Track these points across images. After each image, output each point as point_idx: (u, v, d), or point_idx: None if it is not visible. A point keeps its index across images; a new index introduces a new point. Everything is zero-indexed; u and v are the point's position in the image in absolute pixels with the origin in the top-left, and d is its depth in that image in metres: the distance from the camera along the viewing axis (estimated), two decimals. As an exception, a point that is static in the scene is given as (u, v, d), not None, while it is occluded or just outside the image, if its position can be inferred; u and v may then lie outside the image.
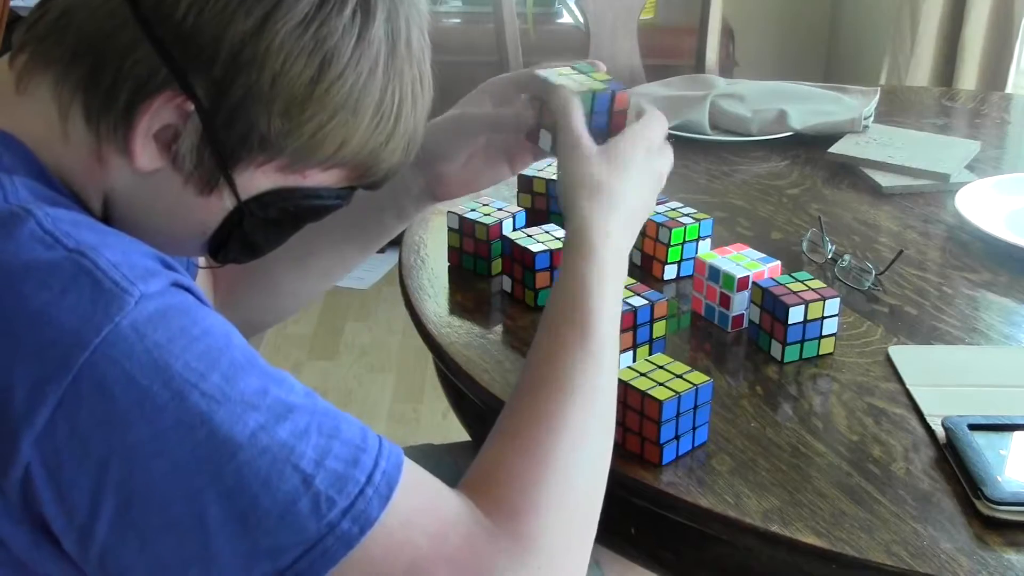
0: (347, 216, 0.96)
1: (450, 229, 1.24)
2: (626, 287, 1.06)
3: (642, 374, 0.93)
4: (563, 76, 0.96)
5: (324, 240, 1.06)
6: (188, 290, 0.71)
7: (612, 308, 0.86)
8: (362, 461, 0.69)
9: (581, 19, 2.49)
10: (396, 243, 1.25)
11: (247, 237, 0.80)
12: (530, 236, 1.17)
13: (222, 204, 0.77)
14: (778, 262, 1.14)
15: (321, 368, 2.78)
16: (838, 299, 1.06)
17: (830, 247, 1.27)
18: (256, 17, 0.71)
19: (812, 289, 1.06)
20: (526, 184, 1.34)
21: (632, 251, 1.24)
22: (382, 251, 1.21)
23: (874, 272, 1.22)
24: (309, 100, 0.73)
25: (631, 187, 0.90)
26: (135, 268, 0.68)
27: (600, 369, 0.82)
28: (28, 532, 0.68)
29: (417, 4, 0.79)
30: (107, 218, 0.77)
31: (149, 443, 0.65)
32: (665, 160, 0.95)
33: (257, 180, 0.77)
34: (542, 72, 0.97)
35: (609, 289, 0.86)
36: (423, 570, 0.69)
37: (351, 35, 0.73)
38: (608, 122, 0.95)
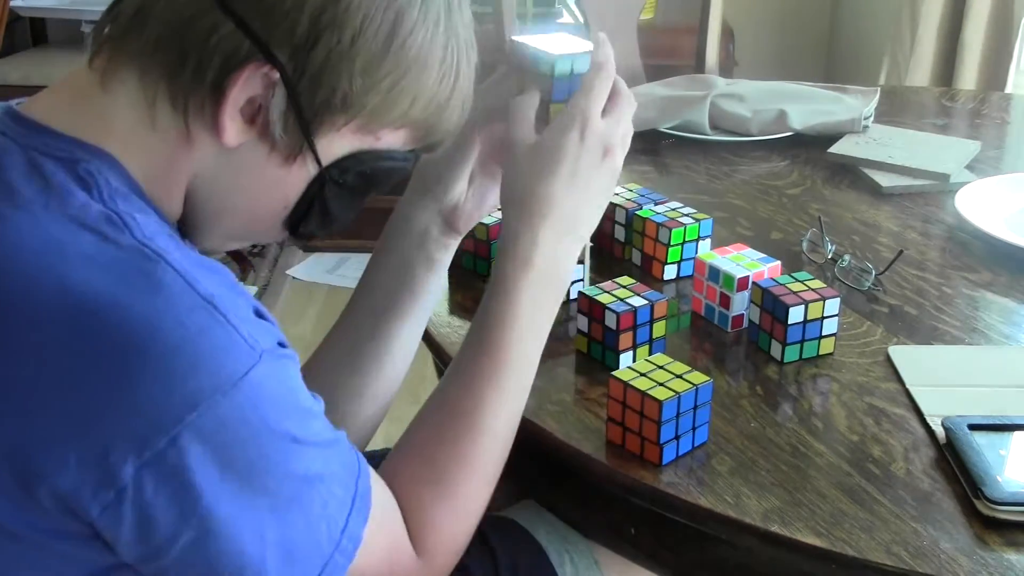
0: (381, 286, 1.00)
1: (450, 229, 1.24)
2: (626, 287, 1.06)
3: (642, 374, 0.93)
4: (544, 42, 0.94)
5: (366, 322, 1.02)
6: (283, 345, 0.76)
7: (530, 338, 0.88)
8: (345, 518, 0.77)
9: (581, 19, 2.49)
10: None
11: (326, 205, 0.83)
12: (530, 236, 1.17)
13: (304, 173, 0.80)
14: (778, 262, 1.14)
15: (321, 368, 2.77)
16: (838, 299, 1.06)
17: (830, 247, 1.27)
18: None
19: (812, 289, 1.06)
20: (526, 184, 1.34)
21: (632, 251, 1.25)
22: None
23: (874, 272, 1.22)
24: (386, 56, 0.77)
25: (560, 189, 0.89)
26: (255, 325, 0.72)
27: (508, 409, 0.87)
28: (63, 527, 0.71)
29: None
30: (189, 207, 0.80)
31: (244, 487, 0.70)
32: (615, 128, 0.91)
33: (336, 144, 0.80)
34: (521, 39, 0.96)
35: (526, 320, 0.88)
36: None
37: None
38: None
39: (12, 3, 3.05)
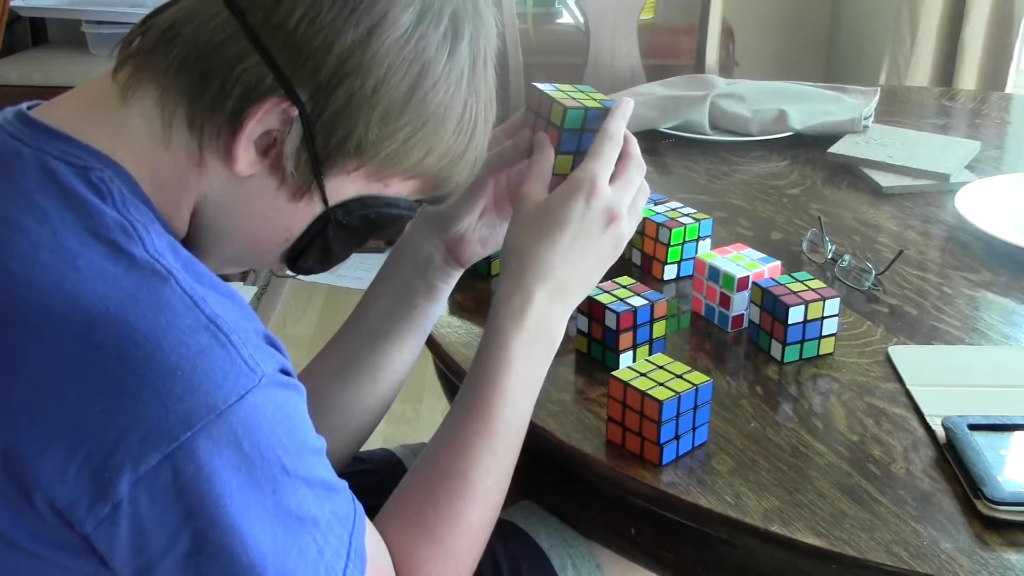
0: (380, 310, 1.00)
1: (450, 229, 1.24)
2: (626, 287, 1.06)
3: (642, 374, 0.93)
4: (561, 92, 0.96)
5: (362, 342, 1.02)
6: (289, 374, 0.75)
7: (522, 399, 0.88)
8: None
9: (581, 19, 2.49)
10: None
11: (327, 244, 0.83)
12: (530, 236, 1.16)
13: (310, 210, 0.80)
14: (778, 262, 1.14)
15: (321, 368, 2.77)
16: (838, 299, 1.06)
17: (830, 247, 1.27)
18: (364, 27, 0.75)
19: (812, 289, 1.06)
20: (526, 184, 1.34)
21: (632, 251, 1.25)
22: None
23: (874, 272, 1.22)
24: (406, 107, 0.78)
25: (559, 254, 0.89)
26: (258, 348, 0.72)
27: (500, 468, 0.87)
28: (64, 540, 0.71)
29: (492, 33, 0.83)
30: (195, 224, 0.80)
31: (238, 506, 0.69)
32: (622, 195, 0.91)
33: (345, 187, 0.80)
34: (540, 85, 0.97)
35: (519, 381, 0.88)
36: None
37: (444, 49, 0.78)
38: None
39: (12, 3, 3.05)
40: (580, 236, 0.90)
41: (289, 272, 0.86)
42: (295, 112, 0.75)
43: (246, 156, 0.76)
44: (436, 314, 1.03)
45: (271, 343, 0.76)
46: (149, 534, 0.69)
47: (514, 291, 0.89)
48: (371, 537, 0.79)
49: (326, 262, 0.86)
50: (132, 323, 0.69)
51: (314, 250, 0.84)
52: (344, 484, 0.77)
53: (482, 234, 1.02)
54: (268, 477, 0.71)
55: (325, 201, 0.80)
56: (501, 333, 0.88)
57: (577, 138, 0.93)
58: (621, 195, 0.92)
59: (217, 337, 0.70)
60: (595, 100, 0.95)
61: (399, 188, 0.83)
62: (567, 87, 0.97)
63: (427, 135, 0.79)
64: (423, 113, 0.78)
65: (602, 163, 0.91)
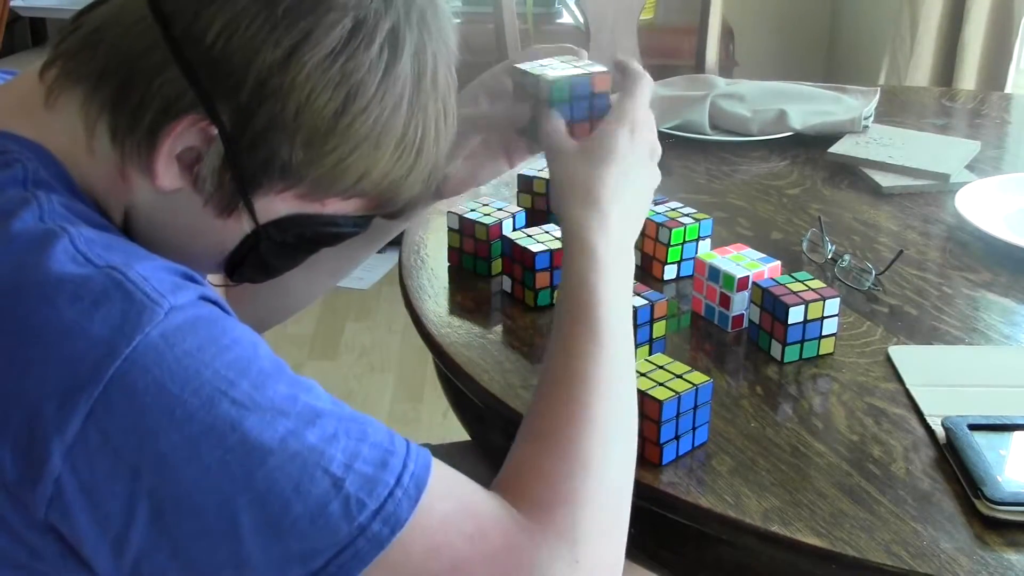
0: None
1: (450, 229, 1.24)
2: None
3: (642, 374, 0.93)
4: (544, 67, 0.96)
5: None
6: (215, 303, 0.72)
7: (619, 303, 0.85)
8: (391, 464, 0.70)
9: (581, 19, 2.49)
10: (396, 243, 1.24)
11: (263, 259, 0.81)
12: (530, 236, 1.17)
13: (240, 227, 0.78)
14: (778, 262, 1.14)
15: (321, 368, 2.78)
16: (838, 299, 1.06)
17: (830, 247, 1.27)
18: (284, 48, 0.71)
19: (812, 289, 1.06)
20: (526, 184, 1.34)
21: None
22: (382, 251, 1.21)
23: (874, 272, 1.22)
24: (332, 132, 0.74)
25: (619, 181, 0.88)
26: (164, 282, 0.69)
27: (614, 363, 0.82)
28: (51, 543, 0.69)
29: (446, 40, 0.79)
30: (127, 230, 0.78)
31: (180, 450, 0.66)
32: (655, 132, 0.93)
33: (276, 205, 0.77)
34: (522, 65, 0.97)
35: (613, 285, 0.85)
36: (464, 570, 0.70)
37: (378, 70, 0.74)
38: (590, 107, 0.94)
39: (12, 3, 3.05)
40: (630, 167, 0.89)
41: (230, 281, 0.84)
42: (214, 131, 0.72)
43: (168, 172, 0.74)
44: (400, 229, 1.10)
45: (189, 278, 0.72)
46: (105, 506, 0.66)
47: (590, 210, 0.87)
48: (467, 488, 0.74)
49: (267, 274, 0.84)
50: (23, 289, 0.67)
51: (251, 264, 0.81)
52: (376, 421, 0.73)
53: (464, 175, 1.02)
54: (217, 413, 0.66)
55: (255, 220, 0.77)
56: (588, 243, 0.85)
57: (568, 108, 0.94)
58: (655, 132, 0.93)
59: (112, 278, 0.67)
60: (579, 68, 0.95)
61: (338, 207, 0.79)
62: (547, 60, 0.97)
63: (359, 159, 0.76)
64: (352, 138, 0.75)
65: (637, 101, 0.92)
